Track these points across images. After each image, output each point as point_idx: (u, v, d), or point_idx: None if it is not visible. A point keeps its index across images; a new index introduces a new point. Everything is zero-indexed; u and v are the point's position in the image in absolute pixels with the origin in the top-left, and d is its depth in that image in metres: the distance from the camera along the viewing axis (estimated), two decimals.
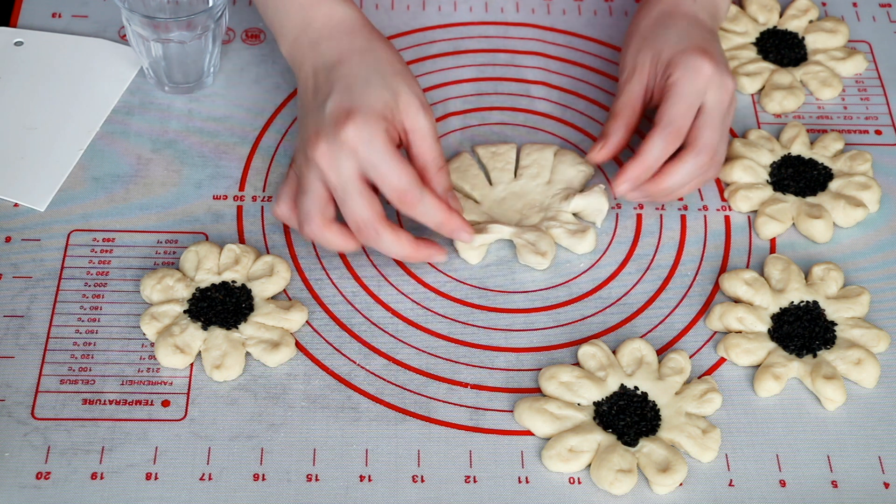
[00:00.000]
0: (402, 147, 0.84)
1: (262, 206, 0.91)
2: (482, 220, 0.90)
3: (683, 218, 0.92)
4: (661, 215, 0.92)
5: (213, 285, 0.84)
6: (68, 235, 0.88)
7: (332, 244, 0.83)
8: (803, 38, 1.03)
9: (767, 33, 1.03)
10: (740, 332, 0.85)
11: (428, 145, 0.83)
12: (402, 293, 0.87)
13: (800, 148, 0.95)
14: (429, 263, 0.88)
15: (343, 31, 0.86)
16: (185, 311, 0.83)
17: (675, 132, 0.86)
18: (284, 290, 0.86)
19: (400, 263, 0.88)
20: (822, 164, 0.94)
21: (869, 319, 0.86)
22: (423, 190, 0.81)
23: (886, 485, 0.79)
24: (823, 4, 1.07)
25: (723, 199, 0.93)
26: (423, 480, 0.78)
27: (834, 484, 0.79)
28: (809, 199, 0.92)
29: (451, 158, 0.94)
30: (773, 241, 0.91)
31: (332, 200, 0.82)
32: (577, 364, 0.83)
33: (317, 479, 0.78)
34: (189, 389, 0.81)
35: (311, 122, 0.82)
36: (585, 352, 0.83)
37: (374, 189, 0.82)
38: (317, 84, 0.84)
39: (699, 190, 0.93)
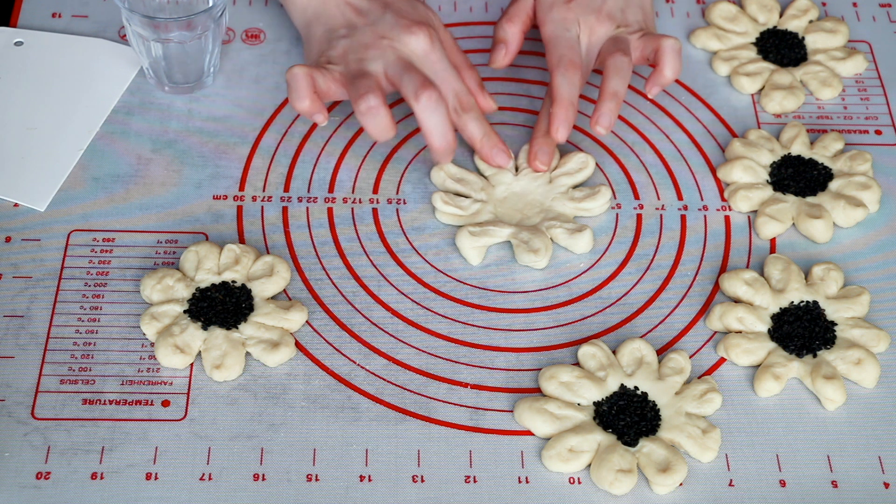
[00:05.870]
0: None
1: (262, 206, 0.91)
2: (483, 221, 0.90)
3: (683, 218, 0.92)
4: (661, 215, 0.92)
5: (213, 285, 0.84)
6: (68, 235, 0.88)
7: (381, 123, 0.86)
8: (803, 38, 1.02)
9: (767, 33, 1.03)
10: (740, 332, 0.85)
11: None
12: (402, 293, 0.87)
13: (800, 148, 0.95)
14: (429, 263, 0.88)
15: None
16: (185, 311, 0.83)
17: (569, 64, 0.91)
18: (284, 290, 0.86)
19: (400, 263, 0.88)
20: (822, 164, 0.94)
21: (869, 319, 0.86)
22: (475, 102, 0.90)
23: (886, 485, 0.79)
24: (823, 4, 1.07)
25: (723, 199, 0.93)
26: (423, 480, 0.78)
27: (834, 484, 0.79)
28: (809, 199, 0.92)
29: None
30: (773, 241, 0.91)
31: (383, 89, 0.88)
32: (577, 364, 0.83)
33: (317, 479, 0.78)
34: (189, 389, 0.81)
35: (369, 32, 0.89)
36: (585, 352, 0.83)
37: None
38: (359, 8, 0.91)
39: (699, 190, 0.93)
